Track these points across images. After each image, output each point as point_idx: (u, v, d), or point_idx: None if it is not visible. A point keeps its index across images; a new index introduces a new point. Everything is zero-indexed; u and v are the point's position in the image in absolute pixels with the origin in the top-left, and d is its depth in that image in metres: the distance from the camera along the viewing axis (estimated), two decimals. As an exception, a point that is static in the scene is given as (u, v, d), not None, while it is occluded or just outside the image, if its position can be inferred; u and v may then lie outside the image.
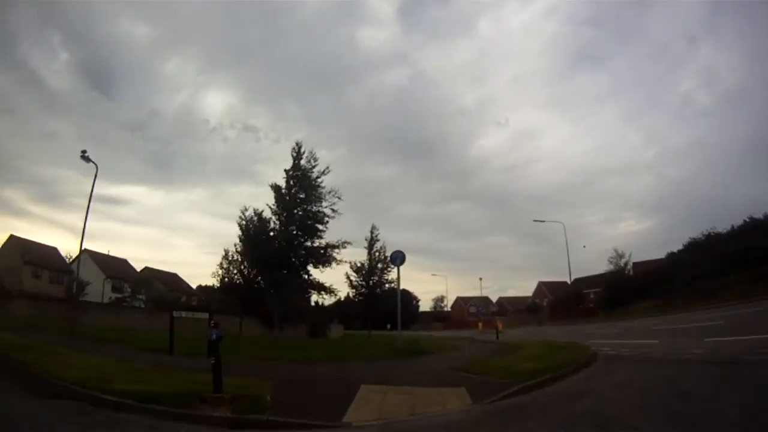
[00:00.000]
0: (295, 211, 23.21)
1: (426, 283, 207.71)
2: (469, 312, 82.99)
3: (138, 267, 49.48)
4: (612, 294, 41.36)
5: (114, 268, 45.23)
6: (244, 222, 24.00)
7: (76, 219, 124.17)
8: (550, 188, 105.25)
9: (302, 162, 23.69)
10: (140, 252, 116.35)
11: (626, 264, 44.58)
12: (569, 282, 65.66)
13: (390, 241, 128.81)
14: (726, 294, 23.80)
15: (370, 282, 32.65)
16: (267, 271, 23.93)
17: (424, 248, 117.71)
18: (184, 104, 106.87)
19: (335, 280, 37.52)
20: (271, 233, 23.86)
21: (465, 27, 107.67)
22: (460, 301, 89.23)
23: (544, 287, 73.68)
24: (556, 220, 40.41)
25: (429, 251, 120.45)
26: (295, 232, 23.47)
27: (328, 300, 33.82)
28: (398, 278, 21.51)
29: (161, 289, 40.72)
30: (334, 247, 23.98)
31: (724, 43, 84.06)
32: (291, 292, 24.00)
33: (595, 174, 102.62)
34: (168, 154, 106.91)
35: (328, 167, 23.92)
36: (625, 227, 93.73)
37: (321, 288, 25.25)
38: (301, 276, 24.21)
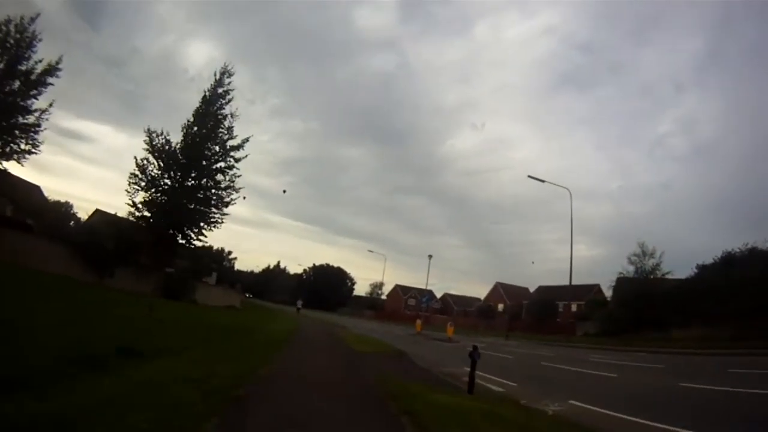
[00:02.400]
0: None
1: (366, 269, 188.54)
2: (407, 304, 71.32)
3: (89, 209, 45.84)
4: (628, 309, 27.50)
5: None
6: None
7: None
8: (510, 198, 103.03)
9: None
10: (94, 193, 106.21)
11: (655, 268, 28.65)
12: (531, 290, 54.16)
13: (341, 222, 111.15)
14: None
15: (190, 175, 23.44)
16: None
17: (373, 235, 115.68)
18: (167, 48, 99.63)
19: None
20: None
21: (461, 27, 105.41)
22: (398, 290, 75.25)
23: (501, 289, 59.48)
24: (560, 184, 25.80)
25: (377, 239, 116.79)
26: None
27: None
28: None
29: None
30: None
31: (708, 95, 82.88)
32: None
33: (556, 193, 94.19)
34: (140, 96, 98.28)
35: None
36: (576, 251, 79.45)
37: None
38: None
